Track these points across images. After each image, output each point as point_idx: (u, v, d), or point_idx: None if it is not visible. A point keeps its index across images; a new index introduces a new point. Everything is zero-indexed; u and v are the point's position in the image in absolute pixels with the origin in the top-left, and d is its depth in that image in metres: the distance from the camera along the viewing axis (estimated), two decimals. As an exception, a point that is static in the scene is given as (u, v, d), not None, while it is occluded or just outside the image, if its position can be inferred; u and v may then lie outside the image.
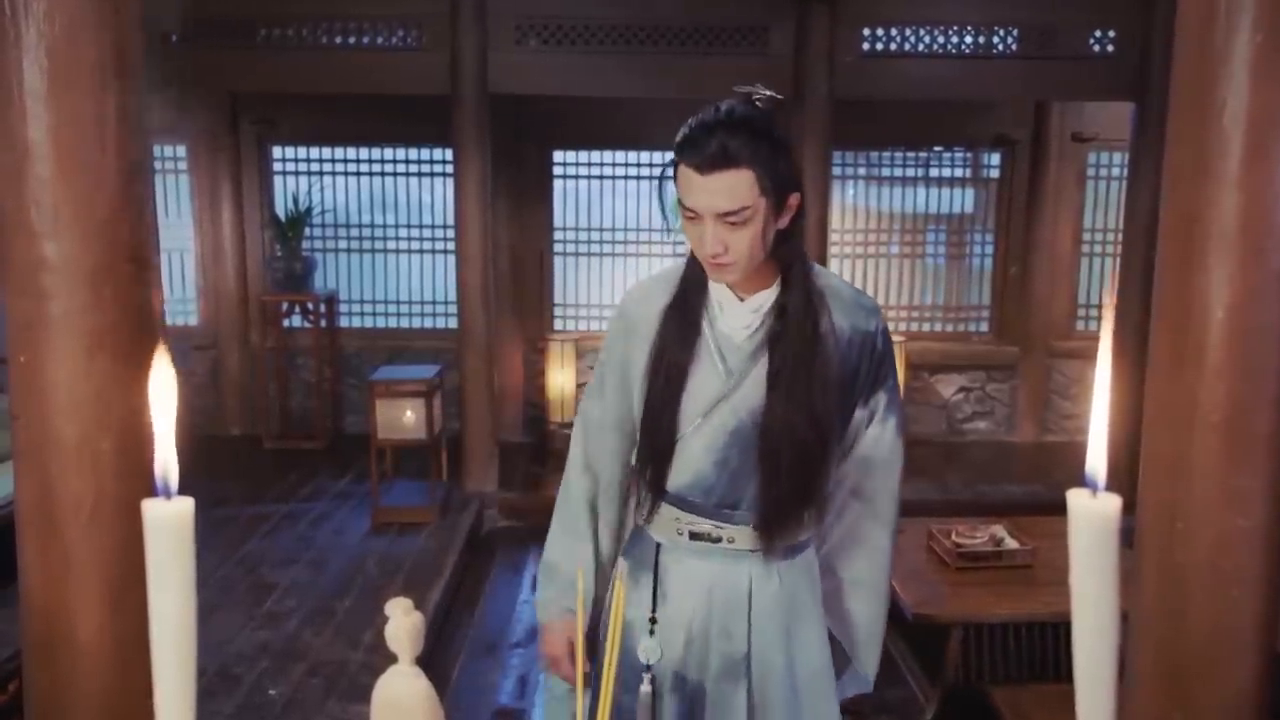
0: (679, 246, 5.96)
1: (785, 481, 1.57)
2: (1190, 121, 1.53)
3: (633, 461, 1.71)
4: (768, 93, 1.52)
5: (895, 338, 5.72)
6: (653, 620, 1.64)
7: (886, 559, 1.73)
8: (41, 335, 1.56)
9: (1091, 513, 0.57)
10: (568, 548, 1.74)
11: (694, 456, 1.61)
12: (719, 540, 1.63)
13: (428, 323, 6.92)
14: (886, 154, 6.76)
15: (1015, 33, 5.45)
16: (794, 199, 1.53)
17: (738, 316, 1.60)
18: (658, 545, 1.68)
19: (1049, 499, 5.28)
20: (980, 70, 5.49)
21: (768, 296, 1.59)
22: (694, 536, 1.64)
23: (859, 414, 1.65)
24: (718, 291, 1.61)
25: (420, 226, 6.85)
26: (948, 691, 3.37)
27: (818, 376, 1.55)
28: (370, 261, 6.88)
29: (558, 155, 6.67)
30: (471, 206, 5.34)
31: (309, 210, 6.39)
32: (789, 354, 1.55)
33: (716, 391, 1.59)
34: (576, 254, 6.78)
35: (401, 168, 6.79)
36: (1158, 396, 1.61)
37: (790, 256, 1.57)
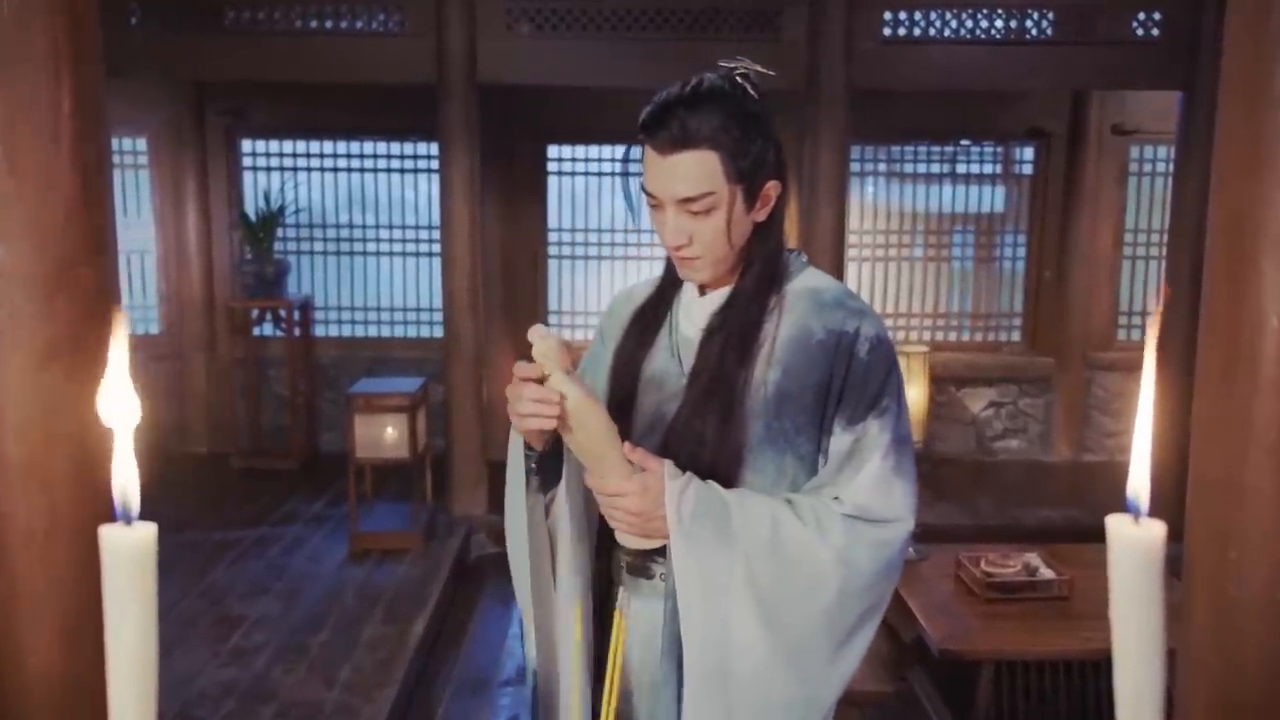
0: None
1: None
2: (1242, 112, 1.53)
3: None
4: (756, 68, 1.48)
5: (917, 347, 5.70)
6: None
7: None
8: (-10, 345, 1.56)
9: (1134, 540, 0.56)
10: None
11: None
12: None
13: (411, 331, 6.93)
14: (909, 148, 6.77)
15: (1051, 16, 5.46)
16: (771, 187, 1.49)
17: (694, 314, 1.57)
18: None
19: (1087, 524, 5.27)
20: (1012, 57, 5.50)
21: (727, 291, 1.55)
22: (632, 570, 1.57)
23: (838, 439, 1.49)
24: (687, 289, 1.60)
25: (403, 227, 6.86)
26: (978, 735, 3.36)
27: (742, 382, 1.49)
28: (348, 265, 6.89)
29: (552, 150, 6.68)
30: (459, 205, 5.35)
31: (281, 209, 6.40)
32: (714, 352, 1.50)
33: (671, 396, 1.55)
34: (573, 256, 6.80)
35: (383, 163, 6.80)
36: (1207, 412, 1.61)
37: (759, 249, 1.52)
